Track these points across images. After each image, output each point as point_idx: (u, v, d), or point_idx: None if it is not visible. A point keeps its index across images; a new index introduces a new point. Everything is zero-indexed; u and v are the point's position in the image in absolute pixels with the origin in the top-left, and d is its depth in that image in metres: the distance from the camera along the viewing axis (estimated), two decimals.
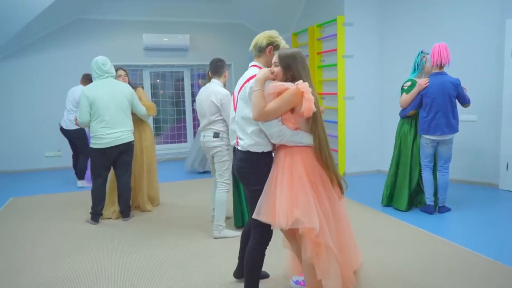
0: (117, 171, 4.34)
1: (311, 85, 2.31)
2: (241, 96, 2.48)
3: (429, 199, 4.32)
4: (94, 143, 4.12)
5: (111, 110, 4.10)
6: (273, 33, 2.63)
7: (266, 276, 2.92)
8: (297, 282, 2.74)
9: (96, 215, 4.30)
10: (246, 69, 2.63)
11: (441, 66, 4.15)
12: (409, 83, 4.34)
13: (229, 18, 8.56)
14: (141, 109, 4.46)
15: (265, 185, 2.32)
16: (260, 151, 2.41)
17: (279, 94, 2.27)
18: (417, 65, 4.37)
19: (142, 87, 4.83)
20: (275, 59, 2.38)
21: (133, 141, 4.33)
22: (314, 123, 2.28)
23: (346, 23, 6.18)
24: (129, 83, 4.58)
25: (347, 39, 6.20)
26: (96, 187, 4.26)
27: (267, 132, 2.33)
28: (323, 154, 2.29)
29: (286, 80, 2.35)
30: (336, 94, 6.34)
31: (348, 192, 5.06)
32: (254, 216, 2.29)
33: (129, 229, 4.10)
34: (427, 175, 4.31)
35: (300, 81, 2.28)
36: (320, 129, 2.29)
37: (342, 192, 2.41)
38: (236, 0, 8.07)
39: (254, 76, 2.39)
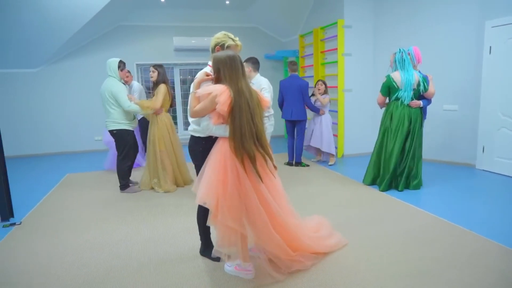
0: None
1: (238, 86, 2.22)
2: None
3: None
4: None
5: (103, 104, 4.38)
6: (221, 34, 2.53)
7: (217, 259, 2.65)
8: (230, 266, 2.49)
9: (122, 186, 4.57)
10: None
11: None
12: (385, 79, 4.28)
13: (246, 22, 8.52)
14: (123, 105, 4.29)
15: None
16: (197, 135, 2.53)
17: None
18: (398, 61, 4.17)
19: (167, 84, 4.58)
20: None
21: (114, 130, 4.35)
22: (231, 118, 2.21)
23: (345, 25, 6.10)
24: (156, 79, 4.50)
25: (346, 39, 6.13)
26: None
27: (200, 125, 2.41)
28: (242, 142, 2.21)
29: (215, 79, 2.30)
30: (337, 87, 6.30)
31: (346, 171, 5.17)
32: (192, 189, 2.35)
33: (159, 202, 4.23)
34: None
35: (218, 85, 2.23)
36: (238, 122, 2.20)
37: (274, 170, 2.37)
38: (251, 8, 8.02)
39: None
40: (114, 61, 4.36)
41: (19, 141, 7.41)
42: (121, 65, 4.43)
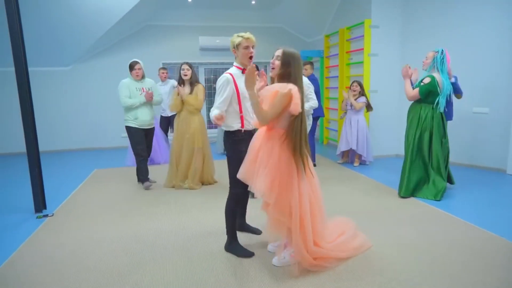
0: None
1: (301, 86, 2.29)
2: None
3: None
4: None
5: None
6: (233, 36, 2.69)
7: (258, 232, 3.09)
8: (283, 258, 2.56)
9: (141, 180, 4.74)
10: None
11: None
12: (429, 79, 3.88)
13: (271, 22, 8.53)
14: (120, 102, 4.49)
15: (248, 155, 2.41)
16: (227, 130, 2.74)
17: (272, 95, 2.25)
18: (439, 62, 3.88)
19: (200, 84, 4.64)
20: (278, 53, 2.34)
21: (125, 126, 4.58)
22: (295, 119, 2.25)
23: (372, 25, 6.01)
24: (190, 78, 4.53)
25: (373, 39, 6.04)
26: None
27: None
28: (302, 143, 2.28)
29: (281, 74, 2.29)
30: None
31: (371, 172, 5.10)
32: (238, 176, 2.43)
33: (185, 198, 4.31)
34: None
35: (291, 85, 2.23)
36: (299, 123, 2.26)
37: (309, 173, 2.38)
38: (277, 8, 8.03)
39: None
40: (129, 63, 4.59)
41: (52, 137, 7.70)
42: (134, 64, 4.54)
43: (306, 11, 7.59)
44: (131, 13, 6.81)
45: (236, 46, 2.67)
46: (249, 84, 2.24)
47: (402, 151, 5.73)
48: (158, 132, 5.94)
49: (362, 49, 6.15)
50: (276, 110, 2.23)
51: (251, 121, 2.70)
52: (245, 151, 2.49)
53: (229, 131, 2.73)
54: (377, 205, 3.82)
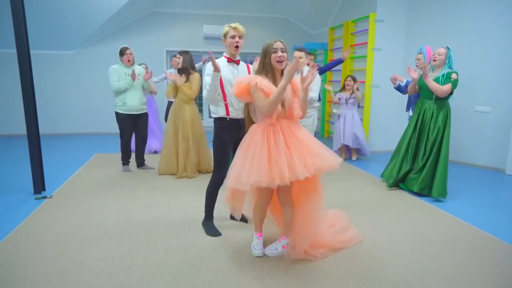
0: None
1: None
2: None
3: None
4: None
5: None
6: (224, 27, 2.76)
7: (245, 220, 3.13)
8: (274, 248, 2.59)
9: (122, 162, 4.92)
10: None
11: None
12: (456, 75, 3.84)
13: (275, 13, 8.47)
14: (111, 86, 4.57)
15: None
16: (213, 116, 2.86)
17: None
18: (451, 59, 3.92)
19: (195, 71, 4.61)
20: (281, 45, 2.33)
21: (115, 112, 4.67)
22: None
23: (377, 19, 5.96)
24: (182, 66, 4.53)
25: (377, 33, 6.00)
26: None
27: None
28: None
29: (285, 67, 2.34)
30: (364, 82, 6.20)
31: (371, 168, 5.10)
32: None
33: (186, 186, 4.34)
34: None
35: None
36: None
37: None
38: None
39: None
40: (119, 49, 4.69)
41: (53, 120, 7.74)
42: (124, 49, 4.67)
43: (311, 2, 7.53)
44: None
45: (224, 36, 2.76)
46: (289, 78, 2.18)
47: None
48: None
49: (366, 43, 6.11)
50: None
51: (237, 109, 2.75)
52: (229, 139, 2.72)
53: (215, 118, 2.84)
54: (372, 199, 3.84)
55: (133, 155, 5.20)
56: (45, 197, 3.77)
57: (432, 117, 3.90)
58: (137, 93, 4.71)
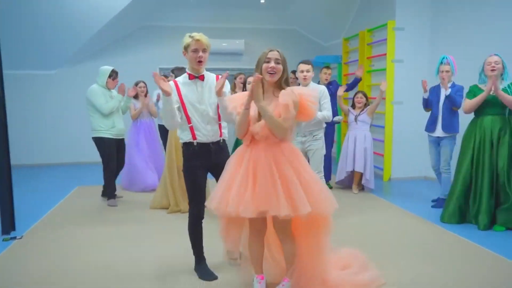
0: None
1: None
2: None
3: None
4: None
5: None
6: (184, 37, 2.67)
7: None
8: None
9: (104, 193, 5.09)
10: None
11: None
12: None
13: (283, 24, 8.60)
14: (100, 110, 4.67)
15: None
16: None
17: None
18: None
19: None
20: (276, 55, 2.29)
21: (93, 137, 4.79)
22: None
23: (396, 27, 6.00)
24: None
25: (397, 43, 6.02)
26: None
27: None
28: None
29: (281, 79, 2.33)
30: (384, 99, 6.16)
31: (394, 198, 4.97)
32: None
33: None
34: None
35: (295, 87, 2.39)
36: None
37: None
38: (290, 9, 8.09)
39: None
40: (106, 69, 4.81)
41: (31, 149, 7.78)
42: (113, 74, 4.83)
43: (322, 11, 7.64)
44: (125, 12, 6.94)
45: (185, 48, 2.65)
46: (256, 97, 2.19)
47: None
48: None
49: (385, 54, 6.12)
50: (293, 121, 2.32)
51: (206, 133, 2.71)
52: (200, 166, 2.70)
53: (182, 143, 2.79)
54: (401, 236, 3.71)
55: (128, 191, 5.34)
56: (14, 238, 3.72)
57: (505, 135, 3.90)
58: (121, 116, 4.99)
